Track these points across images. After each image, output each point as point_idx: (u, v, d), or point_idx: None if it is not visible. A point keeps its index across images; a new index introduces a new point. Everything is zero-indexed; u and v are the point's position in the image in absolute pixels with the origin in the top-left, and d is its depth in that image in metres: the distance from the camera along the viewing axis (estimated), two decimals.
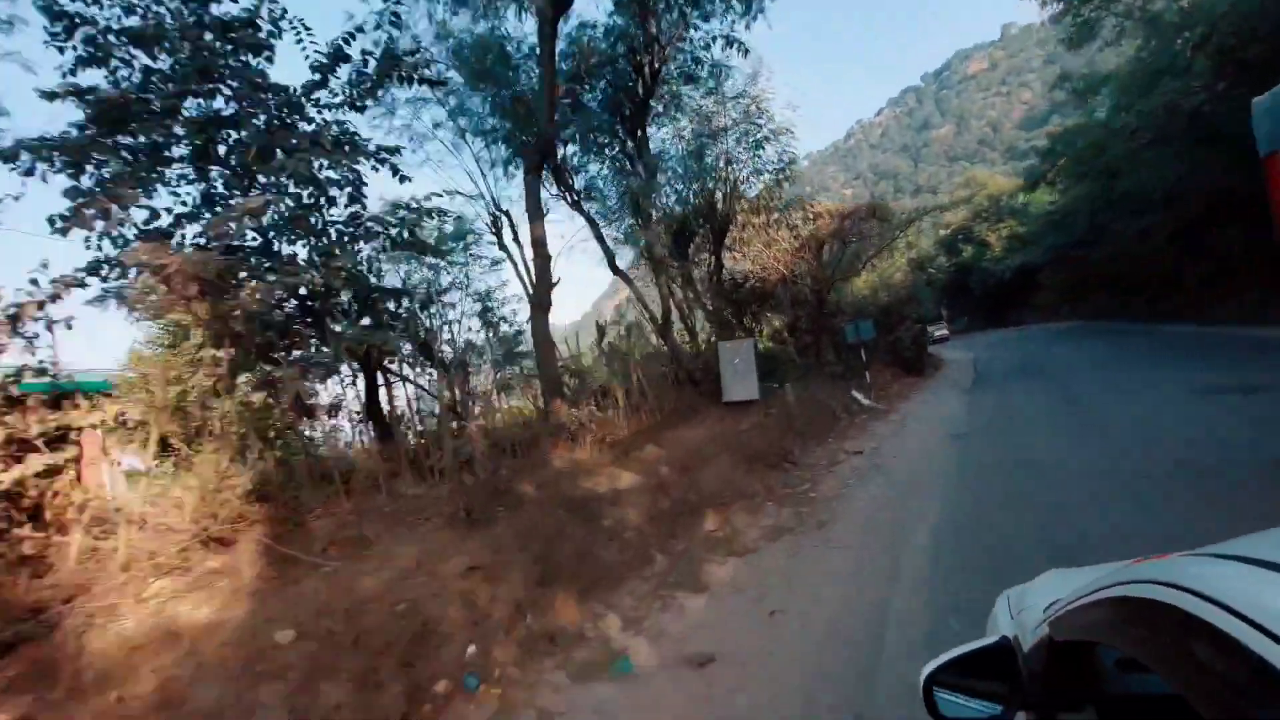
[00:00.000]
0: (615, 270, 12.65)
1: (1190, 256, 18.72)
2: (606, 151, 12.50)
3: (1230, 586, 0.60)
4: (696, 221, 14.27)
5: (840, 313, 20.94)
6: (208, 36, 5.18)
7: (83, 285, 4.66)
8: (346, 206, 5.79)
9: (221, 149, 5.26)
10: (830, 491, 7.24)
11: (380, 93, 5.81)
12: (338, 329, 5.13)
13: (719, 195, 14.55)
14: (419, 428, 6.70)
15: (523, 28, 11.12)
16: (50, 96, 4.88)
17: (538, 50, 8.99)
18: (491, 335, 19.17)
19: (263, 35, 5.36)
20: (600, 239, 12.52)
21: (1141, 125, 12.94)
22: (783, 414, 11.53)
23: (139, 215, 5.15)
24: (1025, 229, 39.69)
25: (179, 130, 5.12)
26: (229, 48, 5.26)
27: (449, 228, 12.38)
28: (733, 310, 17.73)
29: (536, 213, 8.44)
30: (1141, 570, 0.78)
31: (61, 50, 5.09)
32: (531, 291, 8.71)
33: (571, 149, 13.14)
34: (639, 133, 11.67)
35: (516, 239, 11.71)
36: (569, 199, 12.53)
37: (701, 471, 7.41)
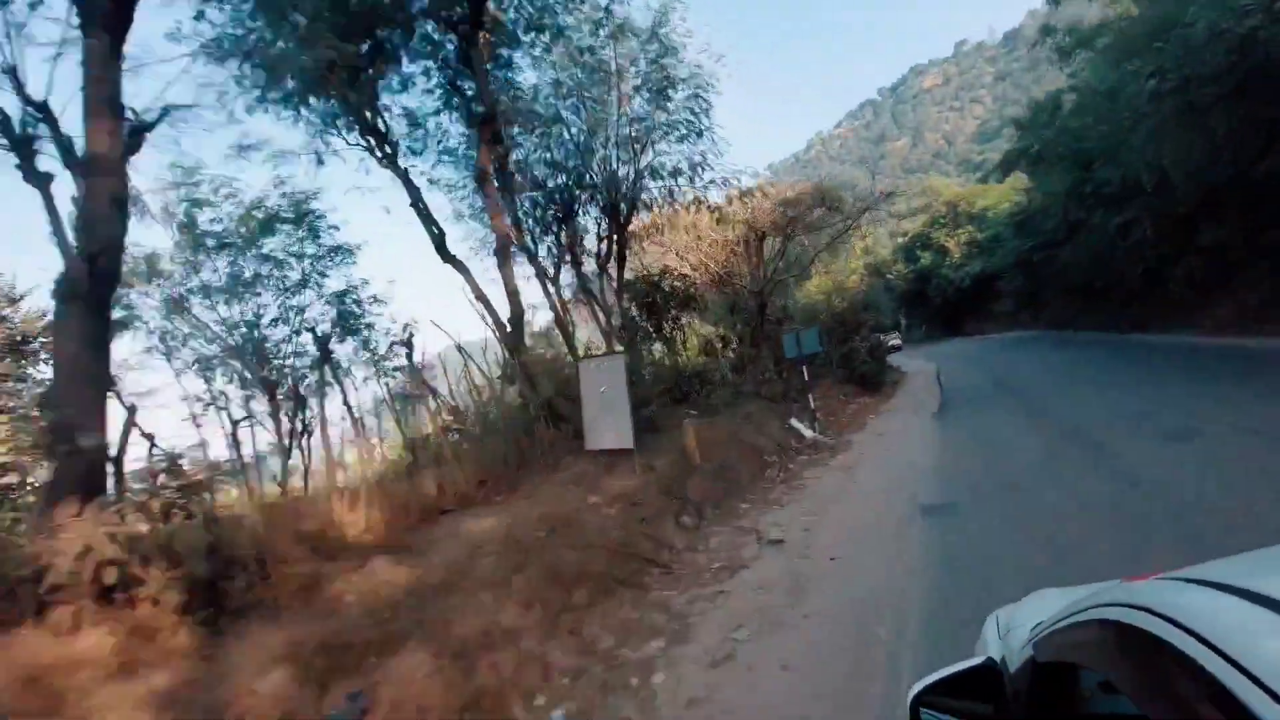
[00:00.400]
0: (445, 256, 8.79)
1: (1182, 254, 16.14)
2: (430, 81, 8.71)
3: (1200, 613, 0.60)
4: (577, 192, 10.56)
5: (787, 319, 17.66)
6: None
7: None
8: None
9: None
10: (694, 671, 3.57)
11: None
12: None
13: (616, 160, 10.94)
14: None
15: None
16: None
17: None
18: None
19: None
20: (423, 210, 8.64)
21: (1160, 71, 10.12)
22: (680, 464, 7.89)
23: None
24: (985, 234, 37.79)
25: None
26: None
27: None
28: (647, 314, 14.12)
29: (104, 108, 4.31)
30: (1120, 593, 0.78)
31: None
32: (74, 254, 4.36)
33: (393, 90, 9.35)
34: (474, 50, 7.92)
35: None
36: (380, 153, 8.64)
37: (421, 648, 3.62)
